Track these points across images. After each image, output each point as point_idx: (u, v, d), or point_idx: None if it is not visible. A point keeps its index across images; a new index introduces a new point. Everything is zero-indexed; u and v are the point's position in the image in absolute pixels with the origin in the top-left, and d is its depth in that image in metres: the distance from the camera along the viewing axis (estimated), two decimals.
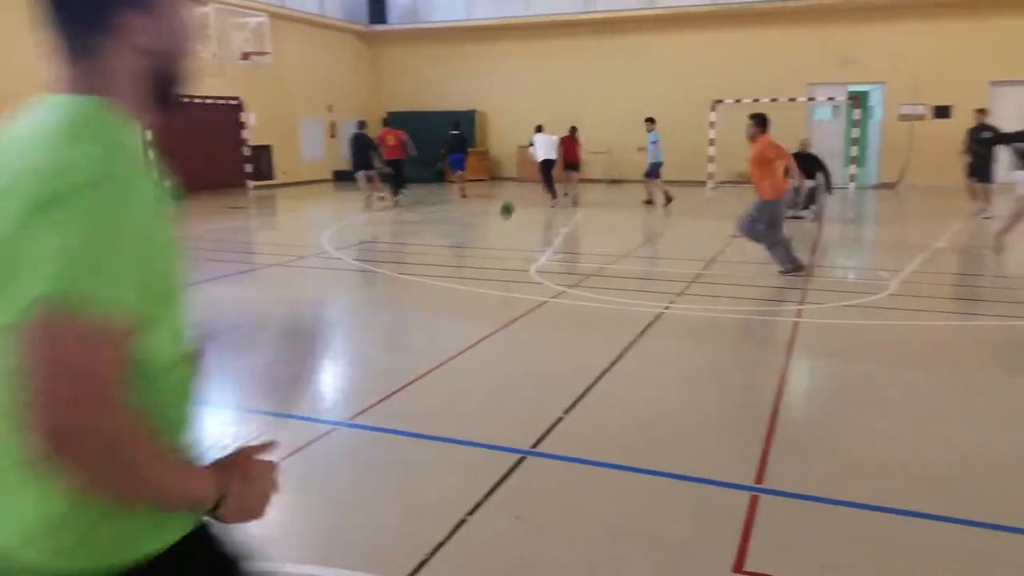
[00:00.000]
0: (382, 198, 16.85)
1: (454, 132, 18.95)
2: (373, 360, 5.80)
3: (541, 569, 2.87)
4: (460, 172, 19.15)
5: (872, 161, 21.12)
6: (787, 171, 8.36)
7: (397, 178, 17.38)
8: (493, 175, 23.68)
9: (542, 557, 2.94)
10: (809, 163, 13.76)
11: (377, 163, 16.66)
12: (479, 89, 23.95)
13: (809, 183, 13.58)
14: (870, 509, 3.28)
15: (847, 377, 5.29)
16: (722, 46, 21.05)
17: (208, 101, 19.10)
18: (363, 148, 16.70)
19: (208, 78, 18.90)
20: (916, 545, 3.05)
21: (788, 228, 12.21)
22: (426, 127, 24.05)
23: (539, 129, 19.21)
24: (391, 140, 17.33)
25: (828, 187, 13.78)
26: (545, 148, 18.61)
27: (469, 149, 22.72)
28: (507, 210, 9.74)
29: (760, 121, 8.41)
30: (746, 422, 4.32)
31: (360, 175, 16.50)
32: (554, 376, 5.20)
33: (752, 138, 8.37)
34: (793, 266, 8.23)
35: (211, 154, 19.22)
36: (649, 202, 17.27)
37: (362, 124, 17.43)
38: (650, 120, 17.23)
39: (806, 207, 13.65)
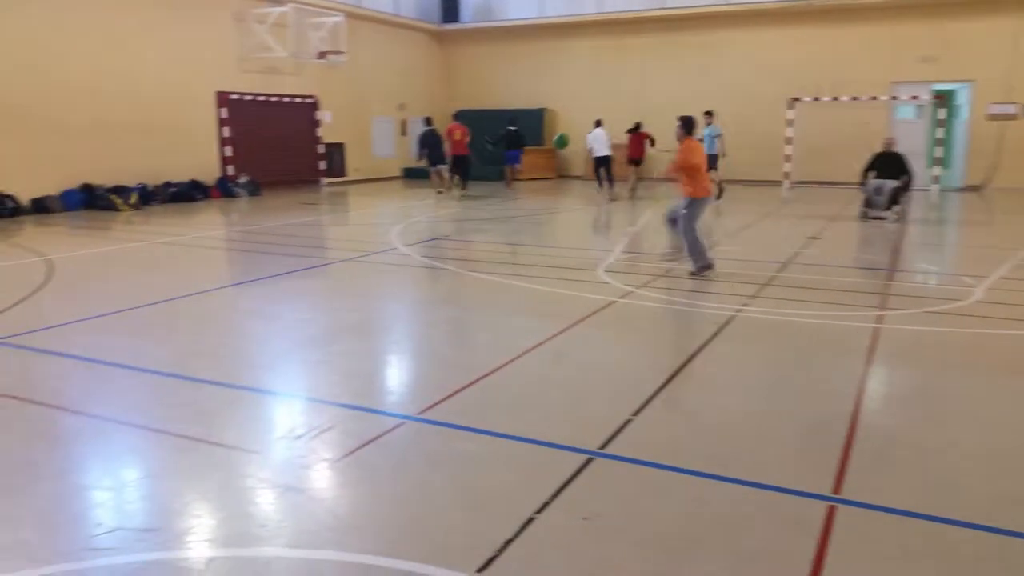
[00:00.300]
0: (440, 192, 17.63)
1: (511, 128, 19.32)
2: (441, 356, 5.83)
3: (610, 572, 2.83)
4: (516, 167, 19.63)
5: (958, 162, 20.29)
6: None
7: (463, 172, 18.27)
8: (560, 173, 23.57)
9: (611, 560, 2.90)
10: (893, 162, 13.34)
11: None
12: (549, 87, 23.90)
13: (891, 183, 13.14)
14: (952, 524, 3.14)
15: (930, 386, 5.08)
16: (799, 42, 20.50)
17: (285, 99, 19.56)
18: (436, 143, 17.58)
19: (286, 77, 19.38)
20: (1000, 563, 2.90)
21: (870, 229, 11.84)
22: (495, 125, 24.14)
23: (598, 124, 19.16)
24: (458, 135, 18.24)
25: (907, 188, 13.33)
26: (600, 143, 18.67)
27: (537, 147, 22.83)
28: (562, 142, 9.68)
29: (686, 123, 8.48)
30: (823, 430, 4.18)
31: (436, 169, 17.54)
32: (622, 377, 5.14)
33: (680, 140, 8.42)
34: (705, 266, 8.31)
35: (287, 151, 19.69)
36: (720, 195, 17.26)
37: (429, 120, 18.18)
38: (709, 114, 17.19)
39: (888, 208, 13.19)
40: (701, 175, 8.40)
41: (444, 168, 17.82)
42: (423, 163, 18.49)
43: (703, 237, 8.54)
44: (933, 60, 19.21)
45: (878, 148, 13.98)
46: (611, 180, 18.42)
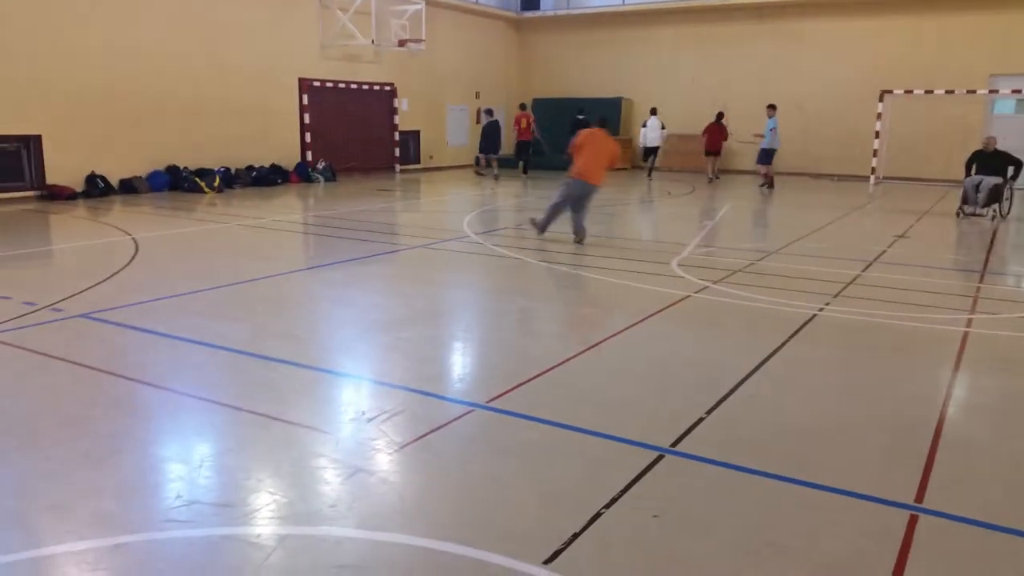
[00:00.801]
0: (497, 176, 19.35)
1: (580, 117, 19.66)
2: (511, 346, 5.81)
3: (680, 571, 2.76)
4: None
5: None
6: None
7: (526, 159, 20.33)
8: (635, 164, 23.27)
9: (682, 559, 2.83)
10: (995, 160, 12.81)
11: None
12: (627, 76, 23.62)
13: (992, 180, 12.58)
14: None
15: (1021, 395, 4.82)
16: (891, 33, 19.72)
17: (364, 87, 19.84)
18: (496, 134, 19.32)
19: (365, 64, 19.66)
20: None
21: (961, 228, 11.36)
22: (571, 113, 24.06)
23: (653, 112, 19.03)
24: (524, 123, 20.03)
25: (1016, 177, 12.86)
26: (652, 133, 18.78)
27: (614, 137, 22.57)
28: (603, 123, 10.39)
29: (596, 119, 10.66)
30: (906, 436, 4.00)
31: (485, 157, 19.49)
32: (696, 374, 5.02)
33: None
34: (540, 229, 10.08)
35: (364, 138, 20.00)
36: (765, 184, 17.81)
37: (491, 111, 19.86)
38: (771, 107, 17.62)
39: (986, 205, 12.62)
40: (580, 160, 9.65)
41: (493, 157, 19.39)
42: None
43: (559, 213, 9.93)
44: None
45: (977, 147, 13.39)
46: (651, 171, 19.53)
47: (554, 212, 9.93)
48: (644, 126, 20.86)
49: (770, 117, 17.55)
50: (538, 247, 9.53)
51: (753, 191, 17.62)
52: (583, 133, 9.82)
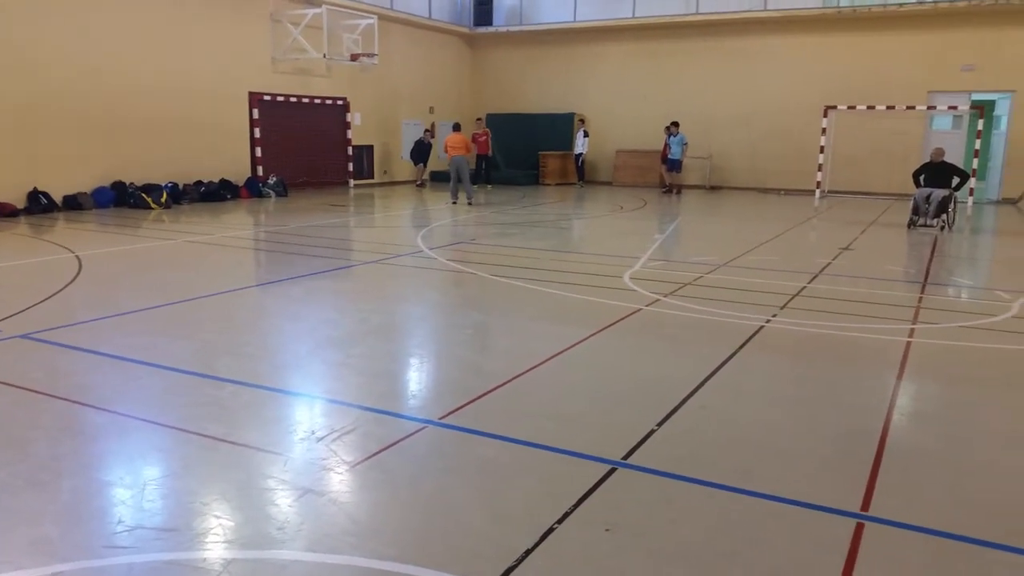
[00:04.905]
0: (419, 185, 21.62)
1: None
2: (463, 361, 5.80)
3: None
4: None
5: (994, 174, 19.93)
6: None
7: (486, 173, 21.56)
8: (587, 179, 23.47)
9: (633, 573, 2.84)
10: (943, 172, 13.26)
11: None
12: (580, 92, 23.85)
13: (941, 192, 13.00)
14: (985, 545, 3.05)
15: (963, 403, 4.96)
16: (834, 50, 20.27)
17: (317, 101, 19.70)
18: (428, 150, 21.59)
19: (317, 78, 19.52)
20: None
21: (905, 240, 11.69)
22: (523, 129, 24.21)
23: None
24: (483, 138, 21.11)
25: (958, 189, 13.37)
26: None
27: (563, 152, 22.99)
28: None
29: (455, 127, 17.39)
30: (852, 445, 4.09)
31: (418, 167, 21.59)
32: (646, 386, 5.07)
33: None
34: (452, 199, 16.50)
35: (316, 152, 19.84)
36: (668, 191, 20.76)
37: (427, 130, 22.03)
38: (675, 124, 20.58)
39: (936, 216, 13.02)
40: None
41: (422, 167, 21.74)
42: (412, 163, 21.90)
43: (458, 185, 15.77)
44: (972, 69, 18.90)
45: (926, 159, 13.83)
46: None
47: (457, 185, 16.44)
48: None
49: (674, 135, 20.31)
50: (494, 262, 9.55)
51: (705, 205, 17.91)
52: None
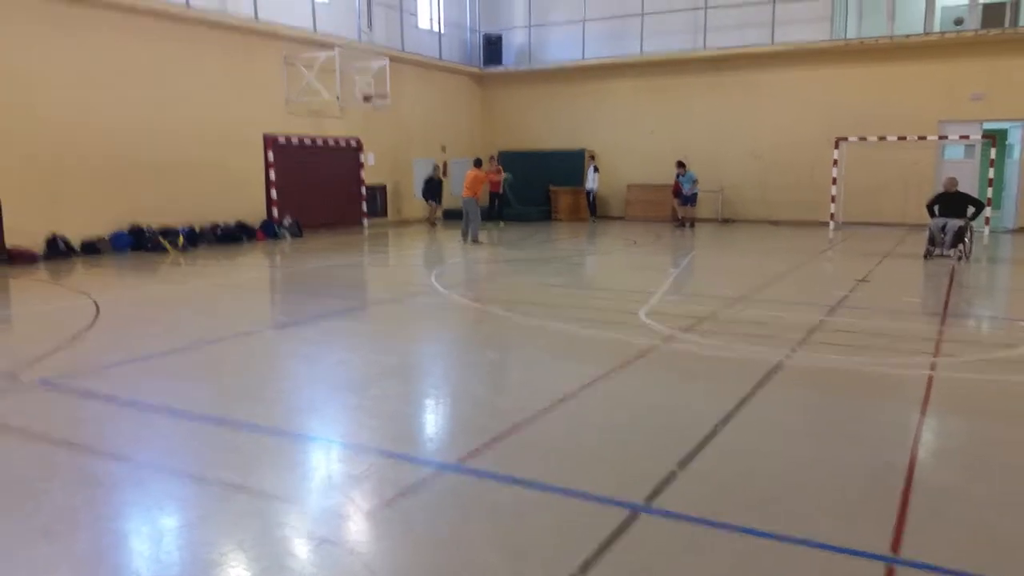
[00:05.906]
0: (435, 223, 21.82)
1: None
2: (480, 401, 5.75)
3: None
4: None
5: (1009, 203, 19.83)
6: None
7: (500, 210, 21.97)
8: (599, 214, 23.54)
9: None
10: (957, 202, 13.22)
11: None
12: (589, 128, 24.03)
13: (956, 222, 12.92)
14: None
15: (990, 438, 4.86)
16: (843, 82, 20.35)
17: (330, 142, 19.92)
18: (436, 186, 21.65)
19: (330, 120, 19.77)
20: None
21: (922, 270, 11.60)
22: (535, 166, 24.40)
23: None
24: (495, 176, 21.22)
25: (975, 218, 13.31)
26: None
27: (575, 189, 23.10)
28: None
29: (476, 162, 17.41)
30: (878, 483, 4.00)
31: (430, 204, 21.74)
32: (666, 426, 5.00)
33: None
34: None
35: (330, 193, 20.00)
36: (682, 225, 20.80)
37: (436, 167, 22.26)
38: (681, 164, 20.72)
39: (953, 246, 12.92)
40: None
41: (436, 205, 21.92)
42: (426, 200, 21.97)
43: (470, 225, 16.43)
44: (981, 98, 18.92)
45: (939, 188, 13.78)
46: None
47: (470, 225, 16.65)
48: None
49: (683, 174, 20.50)
50: (508, 299, 9.53)
51: (717, 238, 17.87)
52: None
